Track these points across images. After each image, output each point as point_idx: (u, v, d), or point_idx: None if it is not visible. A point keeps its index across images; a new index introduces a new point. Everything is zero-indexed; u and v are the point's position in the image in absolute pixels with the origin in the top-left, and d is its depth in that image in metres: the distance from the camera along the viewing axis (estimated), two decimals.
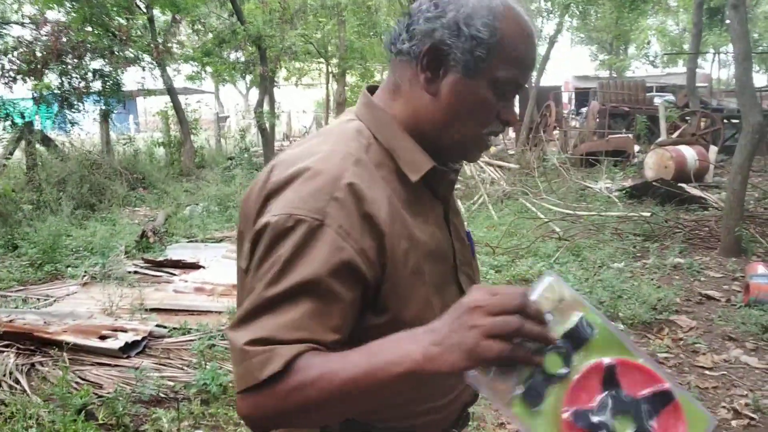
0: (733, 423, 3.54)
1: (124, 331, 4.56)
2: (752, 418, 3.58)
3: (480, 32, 1.05)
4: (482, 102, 1.09)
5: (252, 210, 1.07)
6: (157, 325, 4.81)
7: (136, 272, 6.38)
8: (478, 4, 1.07)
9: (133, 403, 3.60)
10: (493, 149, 16.29)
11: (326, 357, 0.92)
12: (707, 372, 4.20)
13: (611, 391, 0.88)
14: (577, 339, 0.89)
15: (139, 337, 4.47)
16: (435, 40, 1.07)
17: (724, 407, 3.71)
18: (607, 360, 0.89)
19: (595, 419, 0.87)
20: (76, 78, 13.01)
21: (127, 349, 4.32)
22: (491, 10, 1.07)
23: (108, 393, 3.70)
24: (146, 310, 5.20)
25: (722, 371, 4.20)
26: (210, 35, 15.74)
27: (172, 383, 3.90)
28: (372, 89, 1.21)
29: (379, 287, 1.03)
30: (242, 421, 3.48)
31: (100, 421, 3.44)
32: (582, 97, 26.09)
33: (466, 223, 1.23)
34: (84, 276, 6.20)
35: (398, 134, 1.12)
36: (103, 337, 4.44)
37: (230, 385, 3.85)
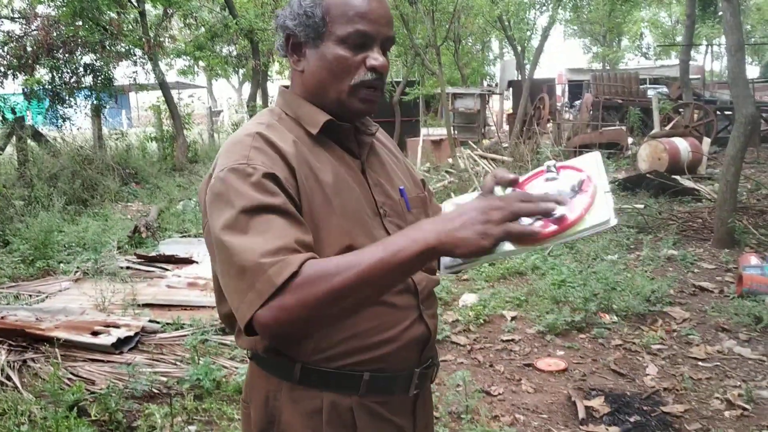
0: (726, 413, 3.55)
1: (117, 326, 4.53)
2: (745, 409, 3.58)
3: (307, 7, 1.27)
4: (336, 60, 1.28)
5: (204, 188, 1.27)
6: (150, 321, 4.80)
7: (128, 268, 6.35)
8: None
9: (125, 399, 3.58)
10: (486, 142, 16.30)
11: (337, 257, 1.09)
12: (701, 363, 4.21)
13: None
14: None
15: (131, 333, 4.45)
16: (286, 29, 1.32)
17: (717, 398, 3.72)
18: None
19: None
20: (67, 73, 12.95)
21: (120, 344, 4.30)
22: None
23: (100, 389, 3.68)
24: (139, 305, 5.18)
25: (715, 362, 4.21)
26: (202, 29, 15.66)
27: (165, 379, 3.88)
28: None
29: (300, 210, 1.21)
30: (236, 414, 3.47)
31: (93, 418, 3.42)
32: (575, 89, 26.07)
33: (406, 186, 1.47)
34: (76, 272, 6.17)
35: (301, 104, 1.35)
36: (95, 333, 4.41)
37: (223, 380, 3.84)
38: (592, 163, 1.20)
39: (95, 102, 13.73)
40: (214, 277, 1.30)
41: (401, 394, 1.35)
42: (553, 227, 1.07)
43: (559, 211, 1.07)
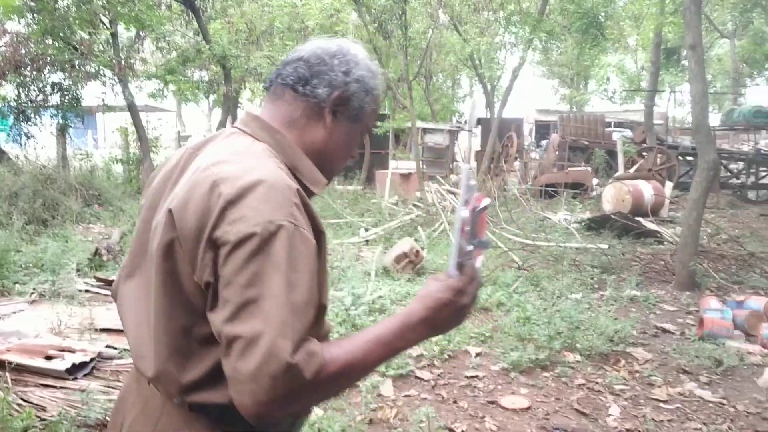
0: None
1: (72, 351, 4.39)
2: None
3: (374, 90, 1.41)
4: (355, 144, 1.45)
5: (195, 220, 1.19)
6: (107, 346, 4.66)
7: (87, 291, 6.19)
8: (368, 66, 1.42)
9: (77, 427, 3.45)
10: (454, 177, 16.41)
11: (353, 345, 1.21)
12: (662, 405, 4.22)
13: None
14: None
15: (87, 359, 4.31)
16: (346, 91, 1.37)
17: None
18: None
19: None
20: (34, 90, 12.73)
21: (74, 370, 4.15)
22: (375, 73, 1.43)
23: (51, 416, 3.54)
24: (96, 330, 5.03)
25: (677, 404, 4.23)
26: (174, 53, 15.59)
27: None
28: (252, 116, 1.42)
29: None
30: None
31: None
32: (543, 129, 26.52)
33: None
34: (32, 293, 5.99)
35: (300, 155, 1.36)
36: (49, 357, 4.26)
37: None
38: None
39: (61, 121, 13.50)
40: (166, 322, 1.25)
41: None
42: None
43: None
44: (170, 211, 1.22)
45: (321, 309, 1.28)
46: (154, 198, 1.38)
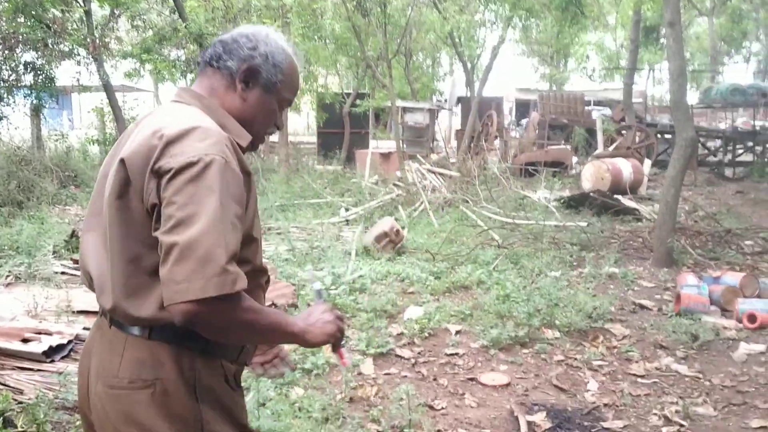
0: (664, 430, 3.60)
1: (49, 334, 4.34)
2: (682, 425, 3.65)
3: (281, 64, 1.63)
4: (271, 112, 1.68)
5: (141, 158, 1.41)
6: (85, 328, 4.60)
7: (63, 273, 6.12)
8: (279, 45, 1.65)
9: (55, 410, 3.42)
10: (434, 157, 16.41)
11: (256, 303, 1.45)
12: (640, 379, 4.28)
13: None
14: None
15: (64, 341, 4.27)
16: (252, 63, 1.61)
17: (655, 414, 3.78)
18: None
19: None
20: (6, 70, 12.46)
21: (52, 353, 4.10)
22: (286, 51, 1.66)
23: (29, 399, 3.51)
24: (73, 312, 4.97)
25: (654, 379, 4.28)
26: (150, 32, 15.32)
27: None
28: (184, 88, 1.66)
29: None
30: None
31: (19, 429, 3.26)
32: (523, 108, 26.53)
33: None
34: (8, 276, 5.91)
35: (225, 115, 1.59)
36: (25, 340, 4.21)
37: None
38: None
39: (35, 101, 13.26)
40: (120, 244, 1.45)
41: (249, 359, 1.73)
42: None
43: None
44: (122, 159, 1.44)
45: (253, 241, 1.54)
46: (105, 167, 1.59)
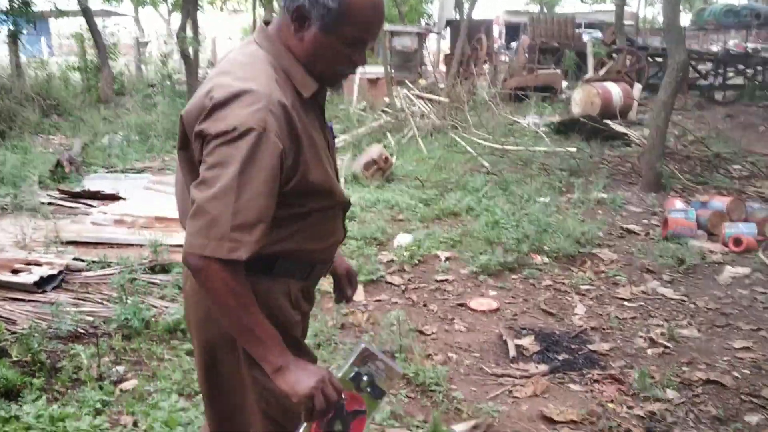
0: (649, 351, 3.68)
1: (39, 264, 4.34)
2: (666, 347, 3.73)
3: (329, 4, 1.47)
4: (333, 52, 1.54)
5: (193, 117, 1.48)
6: (75, 259, 4.61)
7: (50, 203, 6.07)
8: None
9: (49, 340, 3.45)
10: (423, 82, 16.16)
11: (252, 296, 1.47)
12: (626, 303, 4.35)
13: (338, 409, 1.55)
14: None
15: (54, 271, 4.27)
16: (300, 3, 1.50)
17: (641, 336, 3.86)
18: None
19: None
20: None
21: (43, 283, 4.11)
22: None
23: (22, 329, 3.53)
24: (62, 243, 4.96)
25: (640, 302, 4.36)
26: None
27: (91, 318, 3.75)
28: (267, 23, 1.63)
29: (289, 170, 1.48)
30: (166, 354, 3.41)
31: (14, 358, 3.28)
32: (512, 31, 26.07)
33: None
34: None
35: (292, 62, 1.56)
36: (15, 271, 4.21)
37: (153, 320, 3.75)
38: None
39: (11, 27, 12.86)
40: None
41: (322, 276, 1.81)
42: None
43: None
44: (180, 115, 1.55)
45: (312, 186, 1.54)
46: None
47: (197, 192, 1.41)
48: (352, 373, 1.57)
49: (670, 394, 3.22)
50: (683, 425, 2.98)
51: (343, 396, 1.54)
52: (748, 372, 3.46)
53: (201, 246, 1.38)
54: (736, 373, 3.43)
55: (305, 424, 1.53)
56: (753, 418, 3.03)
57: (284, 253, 1.61)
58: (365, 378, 1.58)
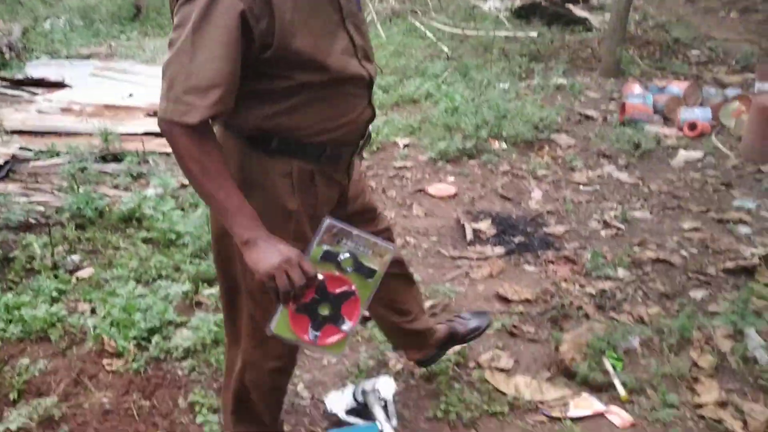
0: (603, 233, 3.78)
1: None
2: (619, 228, 3.82)
3: None
4: None
5: None
6: (21, 148, 4.46)
7: None
8: None
9: None
10: None
11: (217, 158, 1.42)
12: (582, 187, 4.41)
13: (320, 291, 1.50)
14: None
15: (1, 161, 4.13)
16: None
17: (595, 219, 3.94)
18: (320, 276, 1.48)
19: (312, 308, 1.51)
20: None
21: None
22: None
23: None
24: (6, 132, 4.78)
25: (595, 186, 4.42)
26: None
27: (42, 208, 3.68)
28: None
29: (264, 35, 1.38)
30: (122, 243, 3.37)
31: None
32: None
33: None
34: None
35: None
36: None
37: (107, 209, 3.68)
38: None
39: None
40: None
41: (346, 159, 1.71)
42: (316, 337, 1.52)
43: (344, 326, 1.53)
44: None
45: (296, 54, 1.43)
46: None
47: (165, 54, 1.41)
48: (322, 252, 1.49)
49: (621, 273, 3.32)
50: (632, 301, 3.10)
51: (320, 277, 1.48)
52: (696, 251, 3.58)
53: (163, 109, 1.37)
54: (684, 252, 3.55)
55: (282, 306, 1.47)
56: (698, 294, 3.16)
57: (281, 131, 1.54)
58: (345, 256, 1.50)
